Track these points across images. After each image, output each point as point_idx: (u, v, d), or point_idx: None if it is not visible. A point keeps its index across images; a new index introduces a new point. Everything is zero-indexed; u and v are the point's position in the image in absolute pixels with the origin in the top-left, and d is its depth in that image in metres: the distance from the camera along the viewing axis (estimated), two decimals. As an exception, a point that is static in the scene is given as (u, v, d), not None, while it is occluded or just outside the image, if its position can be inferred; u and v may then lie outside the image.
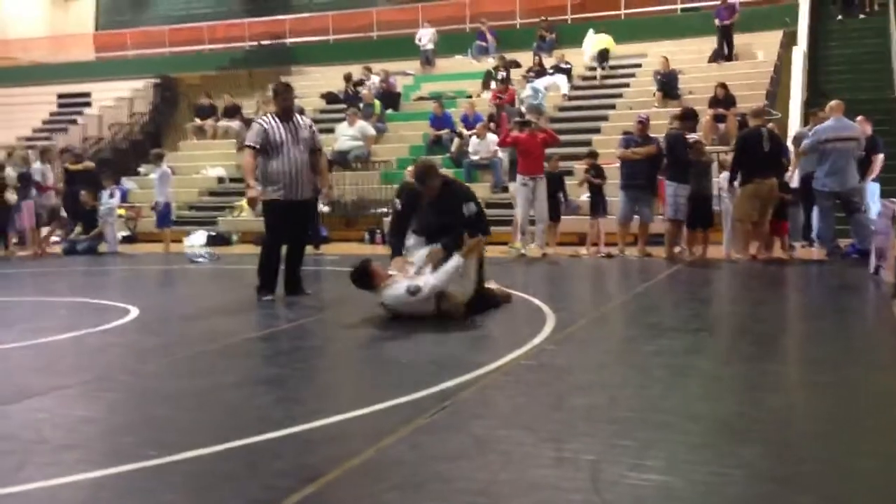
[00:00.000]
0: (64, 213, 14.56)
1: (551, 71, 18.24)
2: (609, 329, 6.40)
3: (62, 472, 3.14)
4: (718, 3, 17.96)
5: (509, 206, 12.17)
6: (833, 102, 10.29)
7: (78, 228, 14.18)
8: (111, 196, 14.14)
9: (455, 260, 6.30)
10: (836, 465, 3.15)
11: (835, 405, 4.02)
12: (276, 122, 7.55)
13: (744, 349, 5.41)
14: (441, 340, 5.70)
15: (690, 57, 18.34)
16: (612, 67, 18.64)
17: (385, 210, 13.95)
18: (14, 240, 13.82)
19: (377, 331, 6.11)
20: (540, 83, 17.02)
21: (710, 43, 18.31)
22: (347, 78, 19.55)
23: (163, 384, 4.66)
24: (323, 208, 13.53)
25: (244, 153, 7.83)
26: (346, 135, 16.63)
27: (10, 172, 13.46)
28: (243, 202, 14.78)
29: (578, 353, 5.28)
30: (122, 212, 15.39)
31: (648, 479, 2.95)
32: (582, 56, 19.03)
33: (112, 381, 4.72)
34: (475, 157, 15.27)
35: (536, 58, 18.71)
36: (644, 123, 11.17)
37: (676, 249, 10.70)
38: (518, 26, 22.24)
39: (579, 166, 12.71)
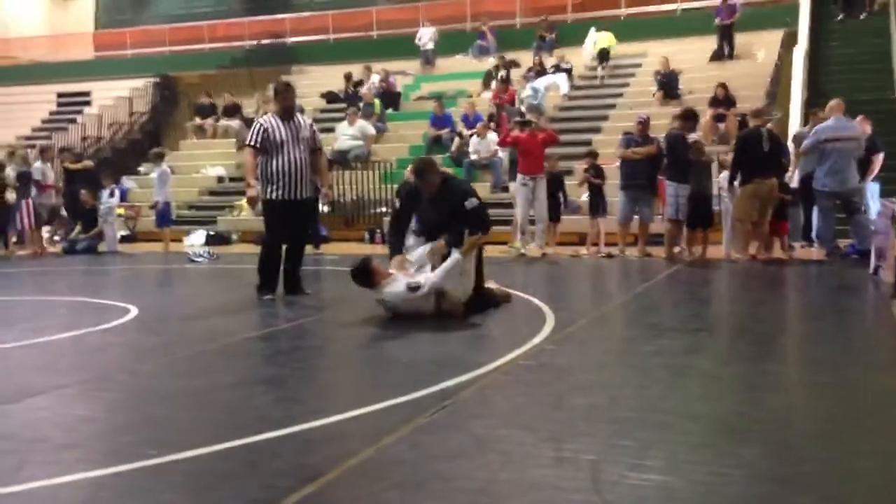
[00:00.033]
0: (64, 213, 14.57)
1: (551, 70, 18.22)
2: (609, 329, 6.40)
3: (62, 472, 3.14)
4: (718, 2, 17.96)
5: (509, 205, 12.17)
6: (833, 102, 10.27)
7: (77, 228, 14.18)
8: (111, 195, 14.13)
9: (455, 257, 6.31)
10: (836, 465, 3.15)
11: (834, 405, 4.03)
12: (276, 121, 7.56)
13: (743, 349, 5.42)
14: (441, 340, 5.71)
15: (691, 57, 18.32)
16: (612, 67, 18.64)
17: (385, 210, 13.95)
18: (14, 239, 13.82)
19: (377, 330, 6.11)
20: (540, 83, 17.01)
21: (710, 43, 18.31)
22: (348, 77, 19.55)
23: (162, 384, 4.66)
24: (323, 209, 13.53)
25: (245, 152, 7.85)
26: (346, 134, 16.62)
27: (10, 172, 13.46)
28: (243, 201, 14.78)
29: (578, 352, 5.28)
30: (121, 211, 15.37)
31: (648, 479, 2.95)
32: (582, 56, 19.03)
33: (112, 381, 4.72)
34: (475, 157, 15.26)
35: (536, 57, 18.70)
36: (644, 123, 11.16)
37: (676, 249, 10.70)
38: (518, 26, 22.23)
39: (579, 166, 12.71)
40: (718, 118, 14.73)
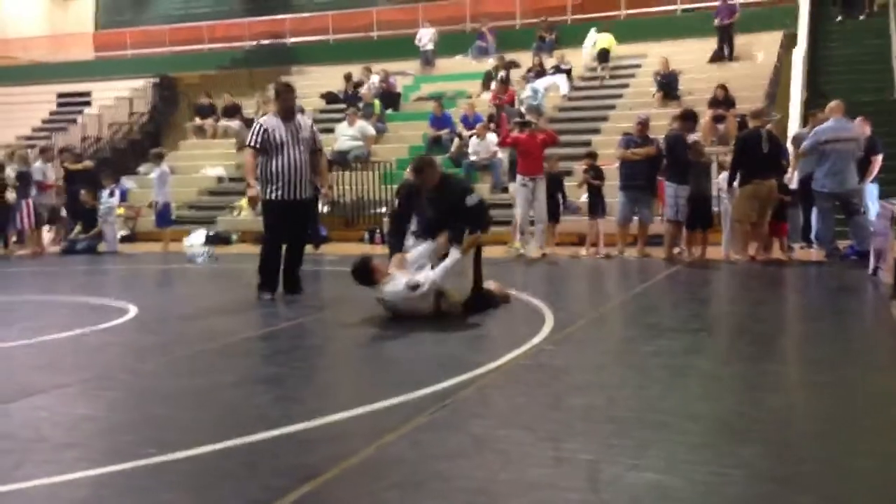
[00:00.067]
0: (64, 213, 14.57)
1: (551, 71, 18.23)
2: (608, 329, 6.41)
3: (62, 471, 3.14)
4: (718, 3, 17.96)
5: (509, 206, 12.17)
6: (833, 103, 10.27)
7: (77, 228, 14.18)
8: (111, 195, 14.13)
9: (455, 256, 6.31)
10: (835, 465, 3.16)
11: (834, 405, 4.03)
12: (276, 121, 7.57)
13: (743, 349, 5.42)
14: (441, 340, 5.71)
15: (690, 58, 18.32)
16: (612, 68, 18.64)
17: (385, 210, 13.95)
18: (13, 239, 13.82)
19: (377, 330, 6.11)
20: (540, 84, 17.02)
21: (709, 44, 18.31)
22: (347, 78, 19.55)
23: (162, 383, 4.67)
24: (323, 209, 13.53)
25: (245, 153, 7.87)
26: (346, 135, 16.62)
27: (10, 172, 13.46)
28: (243, 202, 14.79)
29: (577, 353, 5.29)
30: (121, 211, 15.37)
31: (647, 479, 2.95)
32: (582, 57, 19.03)
33: (111, 380, 4.73)
34: (475, 158, 15.26)
35: (536, 58, 18.70)
36: (644, 124, 11.16)
37: (676, 250, 10.70)
38: (518, 26, 22.23)
39: (579, 167, 12.71)
40: (718, 119, 14.72)
